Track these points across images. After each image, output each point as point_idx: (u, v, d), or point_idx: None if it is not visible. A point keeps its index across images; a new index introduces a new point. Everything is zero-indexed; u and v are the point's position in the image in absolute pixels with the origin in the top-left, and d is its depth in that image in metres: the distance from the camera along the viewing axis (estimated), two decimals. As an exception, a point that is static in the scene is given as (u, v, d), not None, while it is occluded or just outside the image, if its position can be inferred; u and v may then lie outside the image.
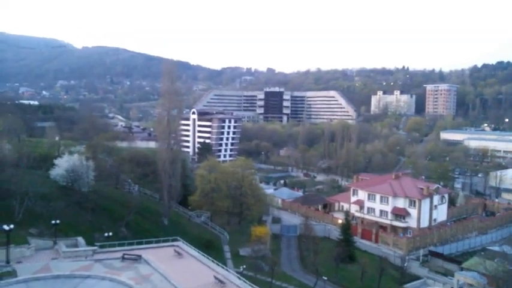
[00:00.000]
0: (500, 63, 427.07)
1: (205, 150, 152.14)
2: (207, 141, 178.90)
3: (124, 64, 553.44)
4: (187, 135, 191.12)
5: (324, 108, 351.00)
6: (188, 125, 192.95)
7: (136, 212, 63.95)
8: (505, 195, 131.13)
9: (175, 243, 46.55)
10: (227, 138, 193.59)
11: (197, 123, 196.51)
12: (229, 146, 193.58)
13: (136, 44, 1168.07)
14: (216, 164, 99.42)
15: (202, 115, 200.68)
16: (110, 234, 48.27)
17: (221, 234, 77.21)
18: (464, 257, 79.32)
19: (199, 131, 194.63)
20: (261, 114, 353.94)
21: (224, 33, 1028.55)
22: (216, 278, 36.45)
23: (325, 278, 61.17)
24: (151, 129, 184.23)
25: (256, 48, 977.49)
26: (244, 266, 60.47)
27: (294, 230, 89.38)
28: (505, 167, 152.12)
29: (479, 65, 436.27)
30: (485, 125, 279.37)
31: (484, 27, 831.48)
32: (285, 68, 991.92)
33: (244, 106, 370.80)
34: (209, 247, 62.78)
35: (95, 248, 41.65)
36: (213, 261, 42.05)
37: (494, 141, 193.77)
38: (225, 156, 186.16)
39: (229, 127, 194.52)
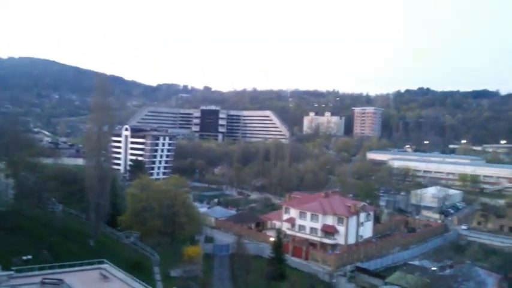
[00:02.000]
0: (420, 89, 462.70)
1: (137, 168, 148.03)
2: (140, 158, 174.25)
3: (53, 76, 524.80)
4: (119, 153, 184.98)
5: (259, 127, 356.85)
6: (120, 141, 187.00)
7: (59, 233, 60.62)
8: (424, 213, 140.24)
9: (101, 265, 44.70)
10: (161, 156, 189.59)
11: (130, 140, 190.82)
12: (163, 164, 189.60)
13: (66, 56, 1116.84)
14: (148, 182, 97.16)
15: (135, 132, 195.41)
16: (29, 257, 45.31)
17: (151, 255, 75.05)
18: (388, 272, 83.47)
19: (132, 148, 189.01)
20: (196, 132, 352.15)
21: (160, 48, 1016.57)
22: (143, 300, 35.50)
23: (257, 297, 61.56)
24: (80, 146, 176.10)
25: (193, 65, 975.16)
26: (175, 288, 59.28)
27: (226, 249, 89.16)
28: (425, 186, 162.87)
29: (403, 90, 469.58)
30: (408, 146, 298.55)
31: (407, 56, 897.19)
32: (221, 87, 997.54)
33: (179, 123, 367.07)
34: (138, 269, 60.77)
35: (11, 272, 38.72)
36: (141, 283, 40.91)
37: (415, 161, 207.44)
38: (158, 174, 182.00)
39: (163, 144, 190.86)
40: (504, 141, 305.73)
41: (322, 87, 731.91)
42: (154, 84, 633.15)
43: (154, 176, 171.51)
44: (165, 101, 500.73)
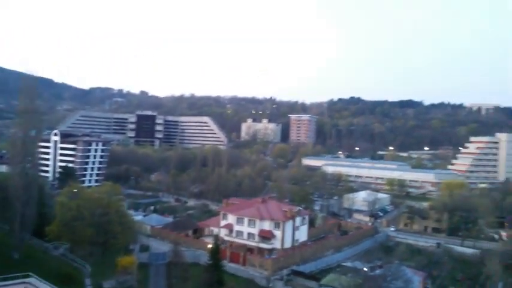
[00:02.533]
0: (352, 98, 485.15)
1: (67, 175, 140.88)
2: (71, 165, 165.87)
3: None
4: (47, 159, 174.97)
5: (196, 133, 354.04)
6: (49, 147, 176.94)
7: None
8: (356, 216, 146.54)
9: (26, 279, 42.08)
10: (93, 163, 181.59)
11: (59, 145, 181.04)
12: (95, 171, 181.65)
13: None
14: (79, 190, 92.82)
15: (65, 137, 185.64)
16: None
17: (82, 266, 71.71)
18: (323, 274, 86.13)
19: (62, 154, 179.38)
20: (132, 137, 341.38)
21: (93, 50, 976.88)
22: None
23: (193, 305, 60.82)
24: (4, 152, 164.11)
25: (128, 69, 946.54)
26: (108, 299, 57.03)
27: (162, 258, 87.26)
28: (356, 190, 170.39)
29: (336, 99, 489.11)
30: (340, 152, 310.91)
31: (340, 66, 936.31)
32: (158, 92, 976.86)
33: (114, 129, 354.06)
34: (68, 282, 57.93)
35: None
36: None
37: (347, 167, 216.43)
38: (90, 181, 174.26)
39: (96, 150, 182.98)
40: (427, 148, 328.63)
41: (260, 94, 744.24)
42: (86, 87, 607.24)
43: (86, 184, 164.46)
44: (99, 105, 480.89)
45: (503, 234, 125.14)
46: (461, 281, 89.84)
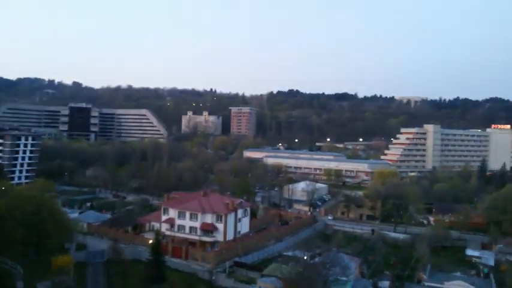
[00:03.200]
0: (291, 91, 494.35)
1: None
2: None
3: None
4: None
5: (135, 126, 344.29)
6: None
7: None
8: (296, 206, 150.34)
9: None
10: (23, 158, 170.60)
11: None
12: (25, 167, 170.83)
13: None
14: (8, 188, 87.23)
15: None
16: None
17: (13, 268, 67.62)
18: (265, 264, 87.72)
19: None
20: (65, 131, 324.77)
21: (20, 37, 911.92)
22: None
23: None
24: None
25: (60, 58, 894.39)
26: (43, 302, 54.42)
27: (101, 256, 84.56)
28: (296, 181, 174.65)
29: (275, 91, 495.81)
30: (280, 144, 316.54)
31: (279, 59, 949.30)
32: (93, 83, 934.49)
33: (45, 122, 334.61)
34: (-3, 286, 54.46)
35: None
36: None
37: (287, 158, 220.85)
38: (20, 178, 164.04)
39: (25, 145, 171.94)
40: (361, 139, 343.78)
41: (200, 86, 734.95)
42: (13, 77, 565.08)
43: (16, 181, 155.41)
44: (28, 97, 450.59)
45: (431, 219, 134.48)
46: (394, 265, 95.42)
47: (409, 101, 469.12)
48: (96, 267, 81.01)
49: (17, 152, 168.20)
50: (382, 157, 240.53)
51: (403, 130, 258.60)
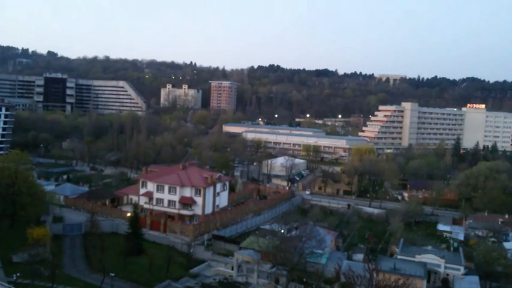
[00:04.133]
0: (271, 66, 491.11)
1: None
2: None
3: None
4: None
5: (112, 98, 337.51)
6: None
7: None
8: (274, 180, 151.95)
9: None
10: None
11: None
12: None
13: None
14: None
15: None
16: None
17: (-13, 240, 66.82)
18: (243, 237, 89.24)
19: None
20: (39, 102, 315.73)
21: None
22: (-20, 291, 31.69)
23: (113, 275, 59.85)
24: None
25: (35, 26, 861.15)
26: (18, 274, 54.11)
27: (78, 229, 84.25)
28: (275, 156, 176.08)
29: (256, 66, 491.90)
30: (260, 119, 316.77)
31: (259, 32, 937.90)
32: (69, 53, 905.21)
33: (19, 92, 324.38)
34: (-29, 258, 53.82)
35: None
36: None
37: (266, 133, 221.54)
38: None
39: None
40: (340, 116, 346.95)
41: (179, 59, 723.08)
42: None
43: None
44: (0, 66, 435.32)
45: (406, 195, 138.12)
46: (368, 238, 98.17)
47: (388, 79, 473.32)
48: (74, 240, 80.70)
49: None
50: (360, 134, 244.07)
51: (381, 107, 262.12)
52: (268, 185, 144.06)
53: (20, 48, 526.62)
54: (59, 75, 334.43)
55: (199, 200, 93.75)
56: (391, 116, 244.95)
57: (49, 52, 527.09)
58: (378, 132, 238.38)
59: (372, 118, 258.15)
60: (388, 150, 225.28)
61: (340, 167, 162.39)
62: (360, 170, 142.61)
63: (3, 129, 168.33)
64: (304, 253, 70.18)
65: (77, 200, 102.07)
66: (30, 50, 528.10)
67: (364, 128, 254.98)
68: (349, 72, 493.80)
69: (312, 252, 72.57)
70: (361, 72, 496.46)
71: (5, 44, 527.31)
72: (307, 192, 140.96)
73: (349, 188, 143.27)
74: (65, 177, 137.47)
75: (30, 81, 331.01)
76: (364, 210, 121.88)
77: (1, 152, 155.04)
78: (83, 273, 66.00)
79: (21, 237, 68.14)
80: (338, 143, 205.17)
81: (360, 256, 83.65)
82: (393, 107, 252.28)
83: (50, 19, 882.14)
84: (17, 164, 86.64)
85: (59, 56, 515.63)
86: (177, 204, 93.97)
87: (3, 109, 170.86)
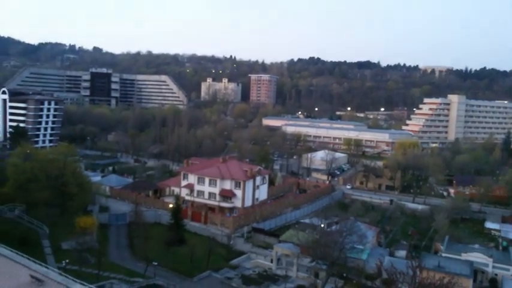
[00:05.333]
0: (312, 58, 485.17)
1: (19, 135, 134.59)
2: (22, 125, 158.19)
3: None
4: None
5: (155, 92, 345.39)
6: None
7: None
8: (314, 175, 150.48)
9: (-20, 242, 40.55)
10: (46, 122, 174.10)
11: (9, 104, 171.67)
12: (49, 131, 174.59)
13: None
14: (32, 151, 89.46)
15: (15, 95, 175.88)
16: None
17: (39, 228, 70.26)
18: (282, 231, 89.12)
19: (12, 114, 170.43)
20: (86, 96, 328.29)
21: (43, 1, 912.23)
22: (32, 276, 33.19)
23: (156, 263, 61.49)
24: None
25: (81, 23, 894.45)
26: (67, 261, 56.65)
27: (123, 218, 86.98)
28: (315, 150, 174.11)
29: (295, 59, 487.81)
30: (300, 112, 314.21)
31: (298, 25, 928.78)
32: (113, 48, 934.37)
33: (67, 87, 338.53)
34: (25, 244, 56.62)
35: None
36: (28, 259, 38.06)
37: (306, 127, 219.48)
38: (44, 142, 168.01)
39: (48, 110, 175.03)
40: (383, 109, 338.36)
41: (220, 53, 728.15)
42: (35, 42, 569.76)
43: (40, 144, 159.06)
44: (49, 61, 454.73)
45: (452, 191, 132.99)
46: (411, 235, 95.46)
47: (433, 71, 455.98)
48: (119, 229, 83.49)
49: (41, 117, 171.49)
50: (404, 127, 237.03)
51: (426, 100, 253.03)
52: (308, 179, 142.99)
53: (67, 44, 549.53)
54: (104, 70, 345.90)
55: (239, 192, 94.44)
56: (436, 109, 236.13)
57: (95, 48, 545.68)
58: (423, 125, 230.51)
59: (416, 111, 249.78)
60: (433, 145, 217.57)
61: (383, 161, 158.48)
62: (403, 165, 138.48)
63: (53, 122, 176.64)
64: (345, 248, 69.10)
65: (122, 191, 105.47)
66: (77, 46, 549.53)
67: (407, 122, 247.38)
68: (392, 64, 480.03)
69: (352, 247, 71.32)
70: (404, 64, 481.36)
71: (53, 41, 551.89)
72: (348, 187, 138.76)
73: (391, 183, 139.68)
74: (110, 168, 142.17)
75: (77, 76, 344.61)
76: (407, 206, 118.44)
77: (51, 145, 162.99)
78: (127, 261, 68.20)
79: (69, 225, 71.09)
80: (380, 137, 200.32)
81: (402, 253, 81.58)
82: (439, 100, 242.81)
83: (95, 15, 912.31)
84: (66, 156, 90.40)
85: (104, 51, 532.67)
86: (218, 197, 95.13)
87: (53, 103, 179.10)
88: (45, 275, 34.38)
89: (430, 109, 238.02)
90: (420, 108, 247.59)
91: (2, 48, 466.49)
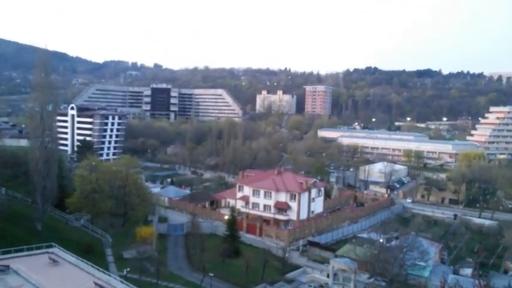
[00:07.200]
0: (368, 68, 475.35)
1: (85, 148, 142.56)
2: (88, 139, 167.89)
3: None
4: (65, 133, 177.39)
5: (211, 106, 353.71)
6: (66, 121, 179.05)
7: (3, 218, 57.72)
8: (372, 187, 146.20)
9: (50, 250, 43.08)
10: (110, 136, 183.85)
11: (76, 119, 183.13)
12: (112, 144, 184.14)
13: (4, 30, 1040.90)
14: (97, 163, 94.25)
15: (82, 111, 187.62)
16: (-29, 244, 42.81)
17: (103, 237, 73.48)
18: (339, 245, 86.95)
19: (79, 128, 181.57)
20: (147, 111, 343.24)
21: (107, 23, 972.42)
22: (96, 283, 34.72)
23: (212, 275, 62.07)
24: (23, 126, 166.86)
25: (142, 42, 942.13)
26: (128, 269, 58.53)
27: (181, 229, 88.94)
28: (372, 162, 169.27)
29: (351, 69, 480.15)
30: (356, 123, 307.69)
31: (354, 35, 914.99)
32: (172, 65, 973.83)
33: (129, 102, 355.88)
34: (89, 252, 59.49)
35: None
36: (93, 266, 39.90)
37: (363, 138, 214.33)
38: (108, 154, 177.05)
39: (112, 124, 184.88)
40: (445, 119, 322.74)
41: (274, 65, 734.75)
42: (100, 60, 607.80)
43: (104, 157, 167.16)
44: (113, 78, 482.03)
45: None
46: (478, 252, 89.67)
47: (500, 77, 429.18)
48: (177, 239, 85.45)
49: (105, 130, 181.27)
50: (468, 138, 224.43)
51: (492, 109, 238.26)
52: (365, 192, 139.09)
53: (129, 62, 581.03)
54: (164, 86, 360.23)
55: (294, 205, 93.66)
56: (504, 118, 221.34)
57: (155, 64, 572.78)
58: (489, 136, 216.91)
59: (482, 120, 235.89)
60: (502, 156, 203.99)
61: (446, 173, 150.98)
62: (469, 178, 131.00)
63: (117, 135, 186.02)
64: (405, 264, 66.12)
65: (180, 202, 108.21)
66: (138, 63, 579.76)
67: (472, 132, 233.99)
68: (454, 72, 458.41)
69: (413, 264, 68.08)
70: (468, 71, 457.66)
71: (117, 59, 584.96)
72: (409, 200, 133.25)
73: (455, 197, 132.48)
74: (169, 180, 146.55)
75: (139, 91, 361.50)
76: (473, 221, 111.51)
77: (114, 157, 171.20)
78: (185, 271, 69.45)
79: (130, 235, 73.79)
80: (443, 148, 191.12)
81: (468, 271, 76.64)
82: (507, 108, 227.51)
83: (154, 34, 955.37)
84: (128, 168, 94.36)
85: (164, 68, 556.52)
86: (272, 209, 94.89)
87: (117, 118, 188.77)
88: (108, 282, 35.83)
89: (497, 118, 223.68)
90: (486, 118, 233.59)
91: (71, 67, 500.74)
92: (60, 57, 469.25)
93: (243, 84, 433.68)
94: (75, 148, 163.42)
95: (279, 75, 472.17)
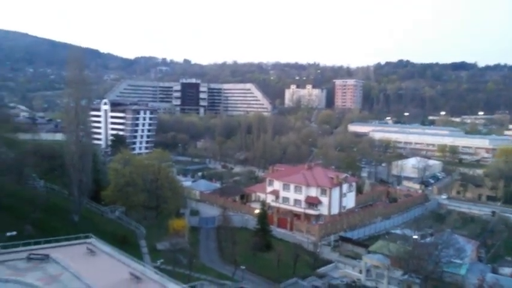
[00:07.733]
0: (400, 61, 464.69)
1: (118, 142, 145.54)
2: (121, 133, 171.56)
3: (26, 50, 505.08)
4: (99, 127, 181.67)
5: (240, 100, 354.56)
6: (99, 116, 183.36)
7: (42, 209, 59.50)
8: (405, 183, 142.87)
9: (87, 240, 44.09)
10: (142, 130, 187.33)
11: (109, 114, 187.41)
12: (144, 138, 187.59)
13: (39, 28, 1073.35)
14: (130, 157, 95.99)
15: (115, 106, 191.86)
16: (14, 233, 44.20)
17: (137, 229, 74.84)
18: (371, 241, 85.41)
19: (112, 123, 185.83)
20: (177, 105, 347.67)
21: (138, 20, 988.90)
22: (131, 274, 35.25)
23: (243, 267, 62.19)
24: (58, 121, 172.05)
25: (172, 37, 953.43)
26: (162, 260, 59.40)
27: (212, 222, 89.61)
28: (405, 157, 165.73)
29: (383, 62, 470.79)
30: (388, 118, 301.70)
31: (385, 27, 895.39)
32: (201, 60, 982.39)
33: (160, 97, 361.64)
34: (124, 243, 60.52)
35: (-4, 248, 37.99)
36: (128, 257, 40.57)
37: (396, 133, 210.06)
38: (140, 148, 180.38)
39: (144, 119, 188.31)
40: (482, 113, 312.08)
41: (303, 59, 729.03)
42: (131, 57, 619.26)
43: (137, 151, 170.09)
44: (144, 74, 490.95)
45: None
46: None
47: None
48: (208, 232, 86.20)
49: (137, 125, 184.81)
50: (506, 132, 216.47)
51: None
52: (398, 187, 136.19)
53: (159, 57, 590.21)
54: (193, 81, 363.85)
55: (325, 200, 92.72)
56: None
57: (185, 60, 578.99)
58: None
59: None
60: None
61: (483, 169, 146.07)
62: (507, 173, 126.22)
63: (148, 130, 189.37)
64: (441, 262, 64.27)
65: (211, 196, 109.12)
66: (168, 59, 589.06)
67: (511, 126, 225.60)
68: (491, 64, 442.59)
69: (449, 261, 66.10)
70: (506, 64, 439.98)
71: (147, 55, 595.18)
72: (444, 197, 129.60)
73: (493, 193, 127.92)
74: (199, 174, 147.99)
75: (169, 87, 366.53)
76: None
77: (146, 151, 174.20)
78: (217, 264, 69.97)
79: (163, 227, 74.87)
80: (479, 143, 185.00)
81: (507, 270, 73.74)
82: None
83: (183, 30, 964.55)
84: (160, 162, 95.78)
85: (193, 63, 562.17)
86: (303, 204, 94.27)
87: (148, 113, 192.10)
88: (143, 273, 36.34)
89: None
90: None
91: (103, 63, 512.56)
92: (93, 54, 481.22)
93: (272, 79, 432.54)
94: (109, 142, 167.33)
95: (308, 69, 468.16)
